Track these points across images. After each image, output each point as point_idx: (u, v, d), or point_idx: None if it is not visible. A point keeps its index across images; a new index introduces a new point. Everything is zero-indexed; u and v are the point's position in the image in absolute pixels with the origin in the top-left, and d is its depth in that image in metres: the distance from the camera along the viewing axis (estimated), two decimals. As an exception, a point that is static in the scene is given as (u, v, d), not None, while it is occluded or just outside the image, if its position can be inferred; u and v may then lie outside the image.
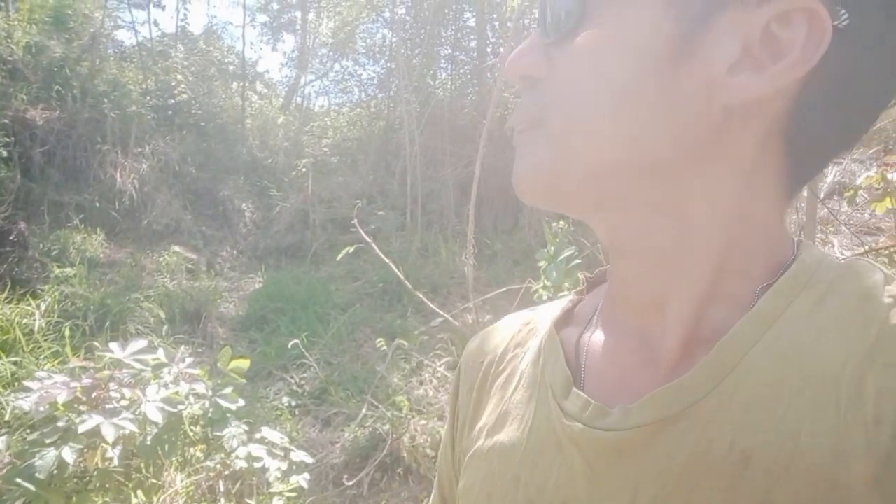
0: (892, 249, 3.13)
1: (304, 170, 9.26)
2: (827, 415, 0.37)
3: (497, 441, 0.52)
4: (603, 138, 0.42)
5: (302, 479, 2.99)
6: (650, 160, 0.42)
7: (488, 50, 9.46)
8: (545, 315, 0.58)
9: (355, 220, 3.28)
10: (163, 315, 5.41)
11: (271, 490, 2.93)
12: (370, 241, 3.24)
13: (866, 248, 3.76)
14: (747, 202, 0.43)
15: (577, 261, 2.07)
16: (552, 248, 2.07)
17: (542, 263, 2.19)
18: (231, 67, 11.34)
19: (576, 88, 0.43)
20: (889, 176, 2.75)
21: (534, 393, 0.51)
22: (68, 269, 5.67)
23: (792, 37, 0.39)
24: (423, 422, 3.97)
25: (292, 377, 4.78)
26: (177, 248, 7.32)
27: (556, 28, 0.44)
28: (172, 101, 8.88)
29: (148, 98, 8.57)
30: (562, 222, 2.61)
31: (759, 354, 0.41)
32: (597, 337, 0.51)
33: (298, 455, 2.99)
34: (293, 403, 4.44)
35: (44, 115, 7.23)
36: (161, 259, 7.04)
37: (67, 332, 4.57)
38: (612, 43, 0.42)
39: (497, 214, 7.25)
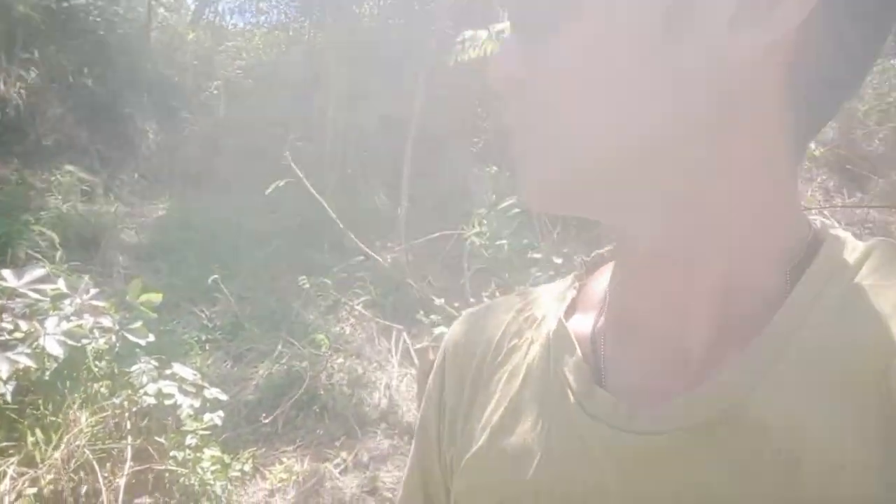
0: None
1: (215, 92, 8.69)
2: (871, 413, 0.36)
3: (507, 443, 0.48)
4: (607, 130, 0.40)
5: (216, 417, 2.91)
6: (662, 142, 0.39)
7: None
8: (541, 301, 0.54)
9: (287, 153, 3.10)
10: (56, 239, 5.00)
11: (184, 428, 2.83)
12: (302, 176, 3.08)
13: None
14: (765, 171, 0.41)
15: (517, 209, 2.06)
16: (493, 195, 2.05)
17: (482, 210, 2.17)
18: (133, -29, 10.29)
19: (567, 85, 0.40)
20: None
21: (547, 391, 0.47)
22: (-56, 184, 5.10)
23: None
24: (340, 360, 3.94)
25: (202, 311, 4.59)
26: (70, 168, 6.73)
27: (534, 26, 0.42)
28: (66, 3, 8.00)
29: (36, -3, 7.66)
30: (495, 168, 2.57)
31: (797, 351, 0.38)
32: (612, 330, 0.47)
33: (212, 392, 2.89)
34: (203, 338, 4.28)
35: None
36: (52, 178, 6.47)
37: (-55, 254, 4.14)
38: (603, 30, 0.39)
39: (419, 155, 7.14)
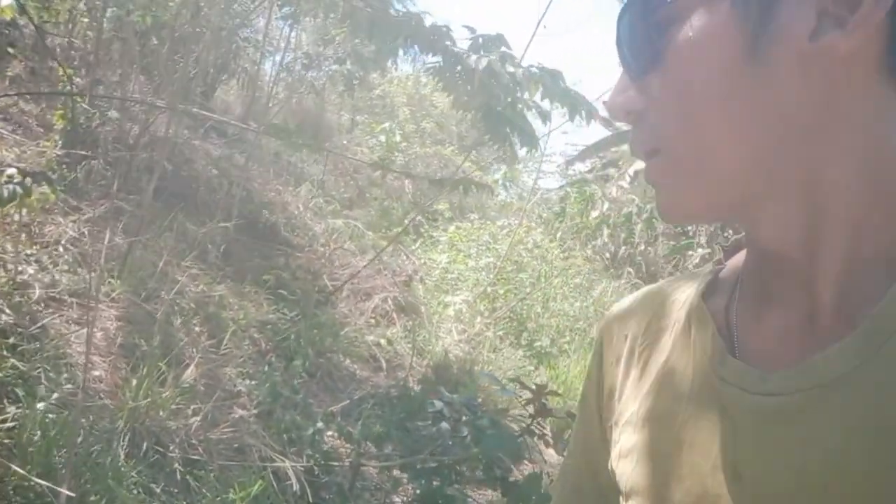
0: None
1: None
2: None
3: (654, 407, 0.55)
4: (720, 145, 0.45)
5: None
6: (776, 149, 0.44)
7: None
8: (683, 287, 0.60)
9: None
10: None
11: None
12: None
13: None
14: (875, 153, 0.44)
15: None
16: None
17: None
18: None
19: (677, 111, 0.46)
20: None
21: (687, 362, 0.53)
22: None
23: None
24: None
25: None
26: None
27: (641, 65, 0.47)
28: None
29: None
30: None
31: None
32: (744, 306, 0.52)
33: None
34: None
35: None
36: None
37: None
38: (694, 61, 0.44)
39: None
